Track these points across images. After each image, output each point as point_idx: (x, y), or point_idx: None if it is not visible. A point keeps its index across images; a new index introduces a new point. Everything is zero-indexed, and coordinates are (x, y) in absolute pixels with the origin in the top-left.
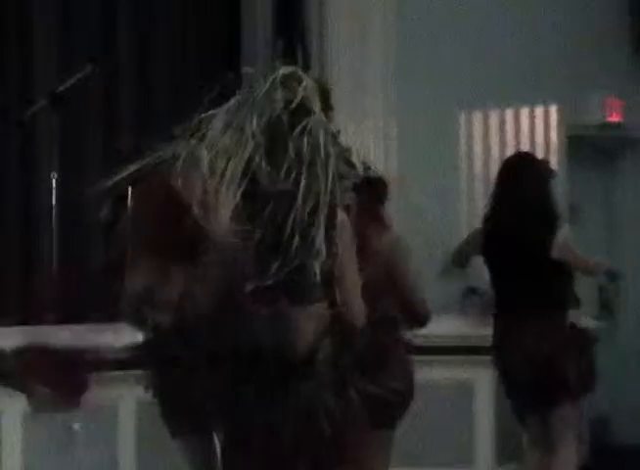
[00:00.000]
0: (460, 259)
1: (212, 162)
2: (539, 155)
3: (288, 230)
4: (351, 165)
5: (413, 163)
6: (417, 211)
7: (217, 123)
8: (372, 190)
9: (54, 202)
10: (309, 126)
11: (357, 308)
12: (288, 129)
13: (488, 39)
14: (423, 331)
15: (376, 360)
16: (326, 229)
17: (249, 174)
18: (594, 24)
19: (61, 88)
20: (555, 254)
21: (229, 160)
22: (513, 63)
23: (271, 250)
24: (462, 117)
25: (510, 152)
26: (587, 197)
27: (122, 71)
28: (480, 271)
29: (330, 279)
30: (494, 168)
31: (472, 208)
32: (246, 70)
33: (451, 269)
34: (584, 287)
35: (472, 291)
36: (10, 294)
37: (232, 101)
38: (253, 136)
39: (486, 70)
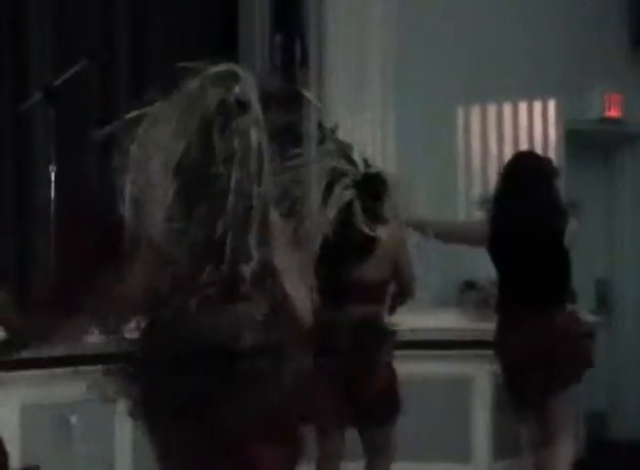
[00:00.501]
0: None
1: (141, 159)
2: (538, 150)
3: (219, 232)
4: (352, 162)
5: (411, 157)
6: (414, 205)
7: (148, 120)
8: (371, 186)
9: (52, 196)
10: (242, 125)
11: (301, 306)
12: (220, 128)
13: (487, 34)
14: (420, 325)
15: (367, 362)
16: (260, 231)
17: (181, 173)
18: (593, 19)
19: (57, 82)
20: (567, 242)
21: (159, 157)
22: (511, 57)
23: (204, 251)
24: (460, 112)
25: (508, 146)
26: (586, 192)
27: (118, 66)
28: (477, 266)
29: (266, 278)
30: (492, 163)
31: (470, 202)
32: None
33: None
34: (581, 281)
35: (469, 285)
36: (8, 287)
37: (163, 99)
38: (185, 134)
39: (485, 64)
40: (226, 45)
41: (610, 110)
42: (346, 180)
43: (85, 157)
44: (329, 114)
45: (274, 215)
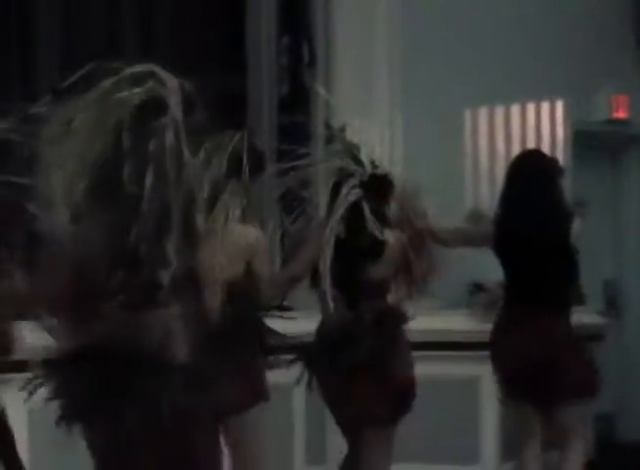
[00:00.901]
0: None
1: (54, 159)
2: (545, 151)
3: (133, 236)
4: (359, 163)
5: (418, 158)
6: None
7: (61, 120)
8: (378, 187)
9: None
10: (158, 126)
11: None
12: (134, 129)
13: (494, 35)
14: (429, 327)
15: (381, 356)
16: (184, 236)
17: (94, 175)
18: (600, 21)
19: (64, 84)
20: (573, 240)
21: (71, 158)
22: (519, 59)
23: (117, 256)
24: (468, 113)
25: (516, 147)
26: (593, 193)
27: (125, 66)
28: (486, 268)
29: (189, 284)
30: (500, 164)
31: (477, 203)
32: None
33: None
34: (589, 283)
35: (478, 287)
36: None
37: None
38: (98, 134)
39: (492, 65)
40: (233, 46)
41: (617, 111)
42: (354, 180)
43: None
44: (336, 115)
45: (200, 219)
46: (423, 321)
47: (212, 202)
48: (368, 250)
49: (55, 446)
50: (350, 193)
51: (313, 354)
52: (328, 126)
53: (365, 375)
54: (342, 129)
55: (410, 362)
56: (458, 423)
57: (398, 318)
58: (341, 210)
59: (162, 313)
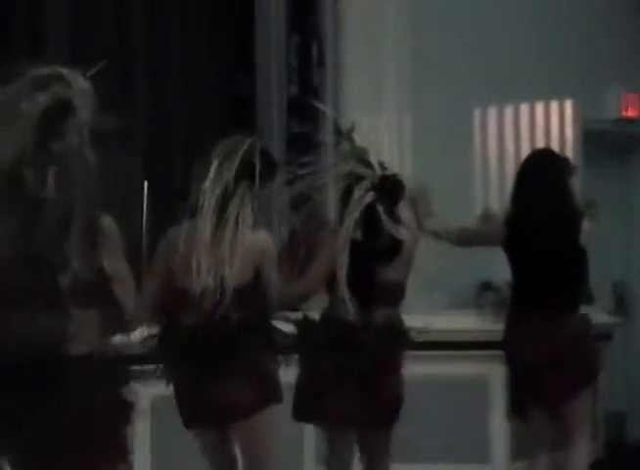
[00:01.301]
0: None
1: None
2: (554, 149)
3: (35, 240)
4: (368, 165)
5: (428, 158)
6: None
7: None
8: (390, 188)
9: None
10: (63, 129)
11: (129, 312)
12: (39, 131)
13: (503, 34)
14: (437, 326)
15: (389, 364)
16: (84, 238)
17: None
18: (609, 19)
19: None
20: (583, 240)
21: None
22: (528, 58)
23: (21, 259)
24: (476, 112)
25: (525, 147)
26: (603, 192)
27: (135, 67)
28: (494, 267)
29: (96, 287)
30: (509, 164)
31: (487, 202)
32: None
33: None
34: (599, 283)
35: (486, 287)
36: None
37: None
38: (3, 136)
39: (501, 65)
40: (242, 46)
41: (627, 110)
42: (366, 183)
43: (101, 159)
44: (345, 115)
45: (105, 221)
46: (430, 320)
47: (223, 206)
48: (385, 251)
49: None
50: (364, 196)
51: (311, 349)
52: (337, 128)
53: (356, 382)
54: (351, 129)
55: (397, 379)
56: (467, 423)
57: (405, 332)
58: (355, 213)
59: (64, 318)
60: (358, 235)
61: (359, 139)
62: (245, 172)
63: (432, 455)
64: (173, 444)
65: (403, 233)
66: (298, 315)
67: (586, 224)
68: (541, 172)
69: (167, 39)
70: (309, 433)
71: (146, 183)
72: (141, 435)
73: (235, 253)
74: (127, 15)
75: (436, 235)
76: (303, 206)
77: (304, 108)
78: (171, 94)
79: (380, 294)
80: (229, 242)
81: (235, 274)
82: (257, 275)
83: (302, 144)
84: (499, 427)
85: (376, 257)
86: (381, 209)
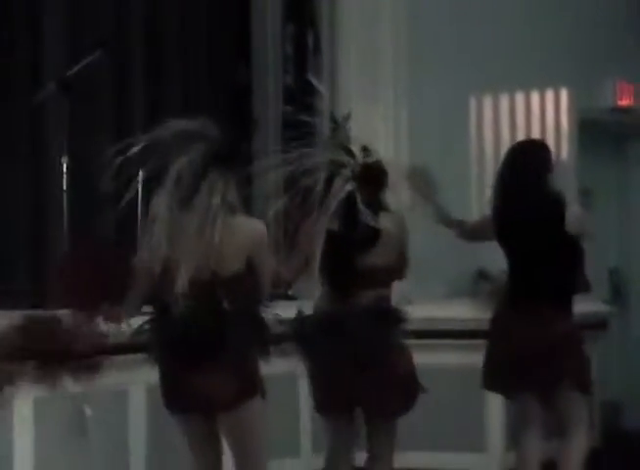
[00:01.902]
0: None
1: None
2: (550, 139)
3: None
4: (350, 154)
5: (423, 147)
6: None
7: None
8: (371, 176)
9: (65, 186)
10: None
11: None
12: None
13: (499, 23)
14: (434, 315)
15: (380, 352)
16: None
17: None
18: (605, 8)
19: (71, 72)
20: (572, 228)
21: None
22: (524, 47)
23: None
24: (472, 102)
25: (521, 136)
26: (598, 181)
27: (132, 56)
28: (491, 256)
29: None
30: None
31: (483, 192)
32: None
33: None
34: (595, 271)
35: (483, 276)
36: (21, 278)
37: None
38: None
39: (497, 54)
40: (239, 34)
41: (622, 99)
42: (346, 172)
43: (98, 148)
44: (341, 103)
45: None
46: (426, 309)
47: (193, 192)
48: (363, 239)
49: (62, 438)
50: (344, 185)
51: (303, 341)
52: (332, 115)
53: (348, 366)
54: (347, 118)
55: (404, 363)
56: (463, 411)
57: (393, 316)
58: (333, 203)
59: None
60: (335, 224)
61: (355, 127)
62: (213, 159)
63: (427, 444)
64: (169, 434)
65: (383, 221)
66: (291, 313)
67: (573, 211)
68: (518, 165)
69: (164, 29)
70: (305, 421)
71: (141, 172)
72: (136, 422)
73: (214, 242)
74: (125, 5)
75: (447, 225)
76: (291, 191)
77: (300, 96)
78: (168, 83)
79: (361, 280)
80: (196, 231)
81: (224, 264)
82: (250, 265)
83: (298, 132)
84: (495, 416)
85: (353, 245)
86: (359, 197)
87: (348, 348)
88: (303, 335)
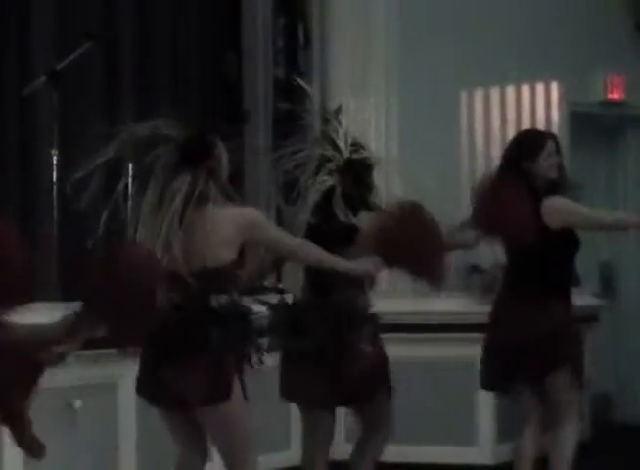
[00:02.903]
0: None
1: None
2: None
3: None
4: (337, 148)
5: (414, 139)
6: (418, 188)
7: None
8: (354, 172)
9: (54, 179)
10: None
11: None
12: None
13: (490, 16)
14: (426, 309)
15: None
16: None
17: None
18: (596, 2)
19: (60, 65)
20: (552, 224)
21: None
22: (514, 40)
23: None
24: (463, 95)
25: (511, 129)
26: (589, 174)
27: (122, 48)
28: (483, 250)
29: None
30: (495, 145)
31: (473, 184)
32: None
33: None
34: (585, 264)
35: (474, 269)
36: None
37: None
38: None
39: (487, 47)
40: (229, 28)
41: (612, 92)
42: (330, 166)
43: (88, 140)
44: (332, 96)
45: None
46: (418, 303)
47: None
48: (339, 235)
49: (52, 431)
50: (324, 181)
51: (278, 335)
52: (324, 108)
53: (316, 363)
54: (338, 111)
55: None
56: (454, 404)
57: (360, 312)
58: (314, 196)
59: None
60: (315, 219)
61: (346, 120)
62: (183, 155)
63: (418, 437)
64: (159, 427)
65: (363, 220)
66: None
67: (550, 201)
68: (515, 153)
69: (154, 21)
70: (296, 414)
71: (130, 165)
72: (125, 414)
73: (221, 230)
74: None
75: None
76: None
77: (291, 89)
78: (158, 76)
79: (336, 277)
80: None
81: (212, 255)
82: (240, 254)
83: (289, 125)
84: (486, 409)
85: (330, 241)
86: (338, 194)
87: (318, 345)
88: (276, 327)
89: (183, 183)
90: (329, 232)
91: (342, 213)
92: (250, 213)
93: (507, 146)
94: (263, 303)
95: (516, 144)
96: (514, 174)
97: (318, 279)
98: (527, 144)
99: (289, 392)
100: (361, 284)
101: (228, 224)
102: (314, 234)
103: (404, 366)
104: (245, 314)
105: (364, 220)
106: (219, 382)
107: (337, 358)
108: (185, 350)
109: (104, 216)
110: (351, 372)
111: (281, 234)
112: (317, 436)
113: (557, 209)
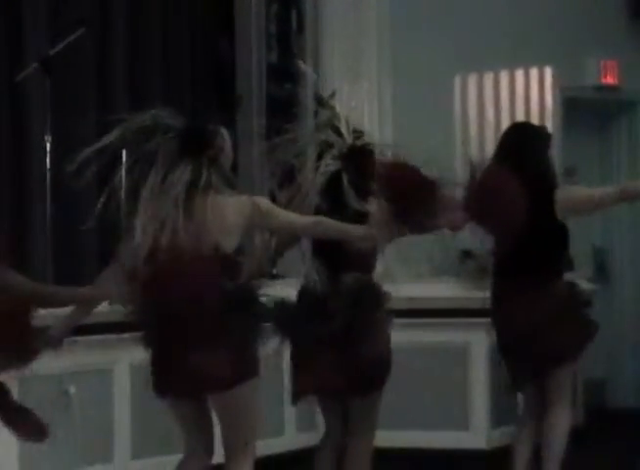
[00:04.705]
0: None
1: None
2: (534, 117)
3: None
4: (339, 134)
5: (407, 124)
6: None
7: None
8: (357, 158)
9: (48, 166)
10: None
11: None
12: None
13: (483, 2)
14: (419, 294)
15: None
16: None
17: None
18: None
19: (52, 51)
20: (559, 215)
21: None
22: (508, 24)
23: None
24: (457, 79)
25: (505, 114)
26: (583, 159)
27: (114, 34)
28: (475, 235)
29: None
30: (489, 130)
31: (466, 169)
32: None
33: None
34: (579, 249)
35: (467, 254)
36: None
37: None
38: None
39: (481, 31)
40: (222, 14)
41: (606, 77)
42: (333, 152)
43: (81, 126)
44: (326, 82)
45: None
46: (411, 288)
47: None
48: (349, 222)
49: (46, 417)
50: (328, 165)
51: (288, 322)
52: (317, 94)
53: (334, 348)
54: (332, 96)
55: (383, 342)
56: (448, 390)
57: (377, 296)
58: (319, 182)
59: None
60: (324, 205)
61: (339, 106)
62: (185, 146)
63: (412, 422)
64: (153, 413)
65: (371, 206)
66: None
67: (562, 192)
68: (517, 144)
69: (147, 7)
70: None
71: (124, 152)
72: (120, 400)
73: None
74: None
75: None
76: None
77: (284, 74)
78: (151, 61)
79: (346, 262)
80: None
81: (217, 242)
82: (241, 244)
83: (282, 110)
84: (479, 394)
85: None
86: (345, 178)
87: (331, 329)
88: (285, 319)
89: (184, 171)
90: (340, 217)
91: (352, 199)
92: (258, 201)
93: (507, 137)
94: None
95: (520, 137)
96: (514, 165)
97: (327, 264)
98: (537, 140)
99: (309, 386)
100: (370, 266)
101: (232, 212)
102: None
103: (397, 352)
104: (255, 298)
105: (372, 207)
106: (244, 361)
107: (349, 343)
108: (202, 334)
109: (100, 202)
110: (369, 354)
111: (294, 216)
112: (333, 426)
113: (570, 198)
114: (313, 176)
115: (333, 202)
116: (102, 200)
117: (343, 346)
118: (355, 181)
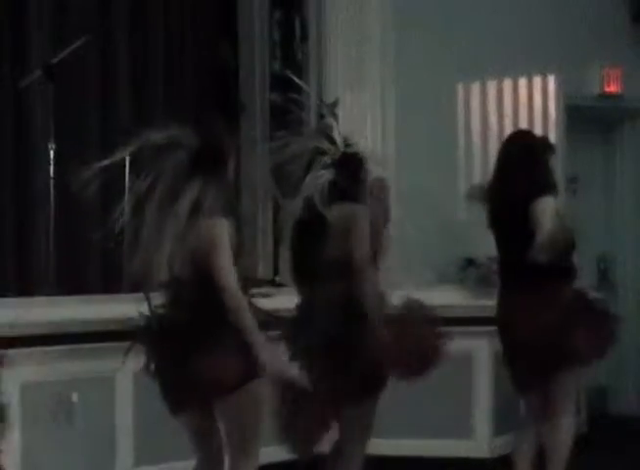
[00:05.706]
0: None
1: None
2: (537, 125)
3: None
4: (332, 142)
5: (410, 132)
6: (415, 180)
7: None
8: (348, 166)
9: (51, 173)
10: None
11: None
12: None
13: (487, 9)
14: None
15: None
16: None
17: None
18: None
19: (56, 59)
20: (534, 219)
21: None
22: (511, 32)
23: None
24: (460, 88)
25: (508, 122)
26: (586, 167)
27: (117, 42)
28: (477, 243)
29: None
30: (492, 138)
31: (470, 177)
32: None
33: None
34: (582, 257)
35: (470, 262)
36: (8, 265)
37: None
38: None
39: (484, 40)
40: (225, 21)
41: (609, 85)
42: (326, 159)
43: (84, 133)
44: (329, 90)
45: None
46: (414, 296)
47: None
48: (315, 228)
49: (49, 424)
50: (320, 173)
51: (291, 331)
52: (321, 102)
53: (316, 359)
54: (335, 104)
55: (374, 350)
56: (450, 398)
57: (358, 306)
58: (307, 190)
59: None
60: (302, 213)
61: (342, 114)
62: (195, 163)
63: (414, 430)
64: (155, 421)
65: (335, 211)
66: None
67: (540, 203)
68: (519, 152)
69: (150, 14)
70: None
71: (127, 159)
72: (122, 408)
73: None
74: None
75: None
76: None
77: (287, 82)
78: (154, 69)
79: (321, 271)
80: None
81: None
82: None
83: (285, 118)
84: (482, 402)
85: (311, 234)
86: (330, 184)
87: (318, 342)
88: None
89: (192, 189)
90: (310, 224)
91: (321, 206)
92: (212, 231)
93: (509, 148)
94: (264, 295)
95: (525, 148)
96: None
97: (300, 273)
98: (538, 152)
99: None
100: (342, 276)
101: (201, 237)
102: (302, 228)
103: None
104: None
105: (334, 212)
106: (248, 363)
107: (331, 352)
108: (205, 343)
109: (117, 216)
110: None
111: (226, 265)
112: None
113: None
114: (316, 183)
115: (309, 210)
116: (118, 213)
117: (331, 355)
118: (344, 188)
